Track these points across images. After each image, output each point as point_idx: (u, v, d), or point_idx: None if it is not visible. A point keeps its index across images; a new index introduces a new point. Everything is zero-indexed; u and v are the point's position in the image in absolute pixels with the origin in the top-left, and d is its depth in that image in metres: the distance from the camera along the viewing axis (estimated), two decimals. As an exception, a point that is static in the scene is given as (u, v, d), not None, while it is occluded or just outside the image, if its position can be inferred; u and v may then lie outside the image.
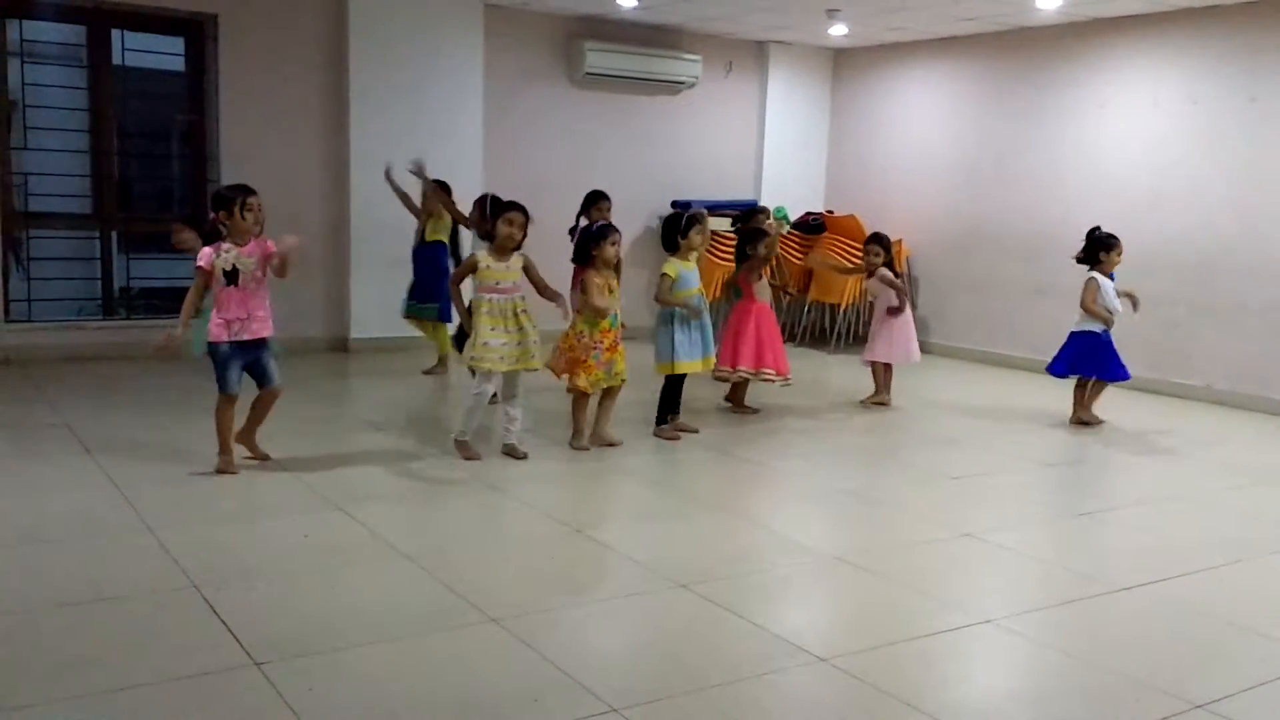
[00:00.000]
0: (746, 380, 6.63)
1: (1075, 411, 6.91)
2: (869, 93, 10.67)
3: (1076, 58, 8.75)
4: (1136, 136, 8.38)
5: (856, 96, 10.81)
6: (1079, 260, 6.85)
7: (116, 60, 8.04)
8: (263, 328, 4.87)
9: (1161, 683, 3.17)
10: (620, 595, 3.76)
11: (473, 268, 5.28)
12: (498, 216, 5.29)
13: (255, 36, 8.18)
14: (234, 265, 4.75)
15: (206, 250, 4.78)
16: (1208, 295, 7.94)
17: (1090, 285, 6.70)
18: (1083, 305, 6.72)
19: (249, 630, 3.23)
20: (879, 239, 7.20)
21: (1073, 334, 6.82)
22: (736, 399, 6.81)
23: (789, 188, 10.68)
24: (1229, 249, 7.82)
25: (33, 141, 7.83)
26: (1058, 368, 6.88)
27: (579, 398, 5.68)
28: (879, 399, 7.20)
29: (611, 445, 5.76)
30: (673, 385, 6.07)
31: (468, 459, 5.32)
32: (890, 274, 7.11)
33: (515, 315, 5.25)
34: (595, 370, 5.54)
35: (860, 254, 9.51)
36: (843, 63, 10.92)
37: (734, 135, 10.66)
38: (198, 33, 8.23)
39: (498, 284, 5.22)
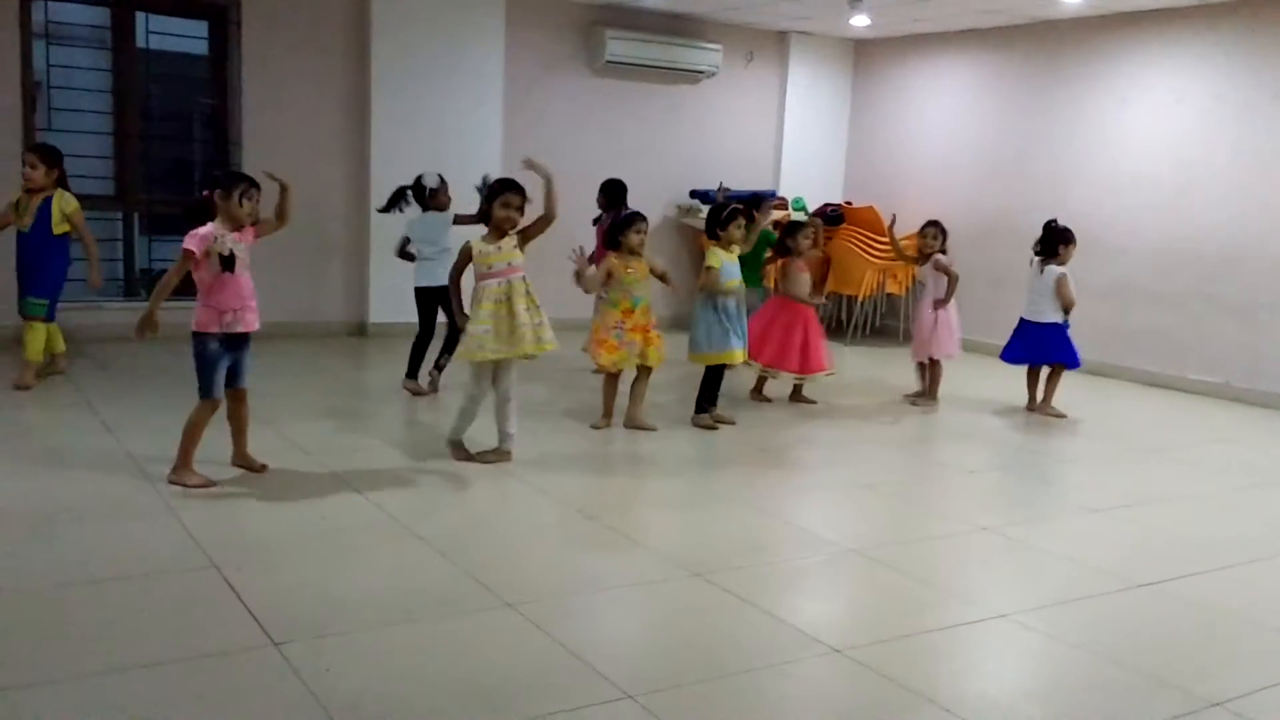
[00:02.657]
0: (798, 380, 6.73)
1: (1032, 402, 7.05)
2: (890, 84, 10.62)
3: (1099, 51, 8.69)
4: (1159, 132, 8.32)
5: (877, 88, 10.76)
6: (1037, 252, 6.98)
7: (140, 43, 8.08)
8: (255, 320, 4.52)
9: (1177, 680, 3.16)
10: (636, 583, 3.77)
11: (468, 257, 4.99)
12: (494, 198, 4.96)
13: (278, 22, 8.20)
14: (231, 250, 4.39)
15: (200, 233, 4.36)
16: (1229, 292, 7.89)
17: (1065, 279, 6.86)
18: (1067, 302, 6.87)
19: (267, 610, 3.26)
20: (936, 224, 7.05)
21: (1032, 324, 6.97)
22: (795, 392, 6.86)
23: (808, 179, 10.65)
24: (1251, 246, 7.76)
25: (57, 123, 7.87)
26: (1014, 356, 7.07)
27: (606, 378, 5.81)
28: (926, 399, 7.03)
29: (644, 429, 5.81)
30: (712, 375, 6.10)
31: (459, 460, 5.09)
32: (945, 260, 6.95)
33: (508, 300, 4.89)
34: (618, 350, 5.61)
35: (881, 245, 9.56)
36: (864, 54, 10.87)
37: (753, 125, 10.63)
38: (221, 17, 8.26)
39: (491, 268, 4.93)
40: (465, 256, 5.04)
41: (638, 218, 5.76)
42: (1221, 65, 7.92)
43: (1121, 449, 6.30)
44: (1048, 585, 3.99)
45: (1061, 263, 6.89)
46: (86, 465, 4.73)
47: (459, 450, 5.14)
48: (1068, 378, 7.08)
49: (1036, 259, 6.96)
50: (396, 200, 6.62)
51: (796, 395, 6.87)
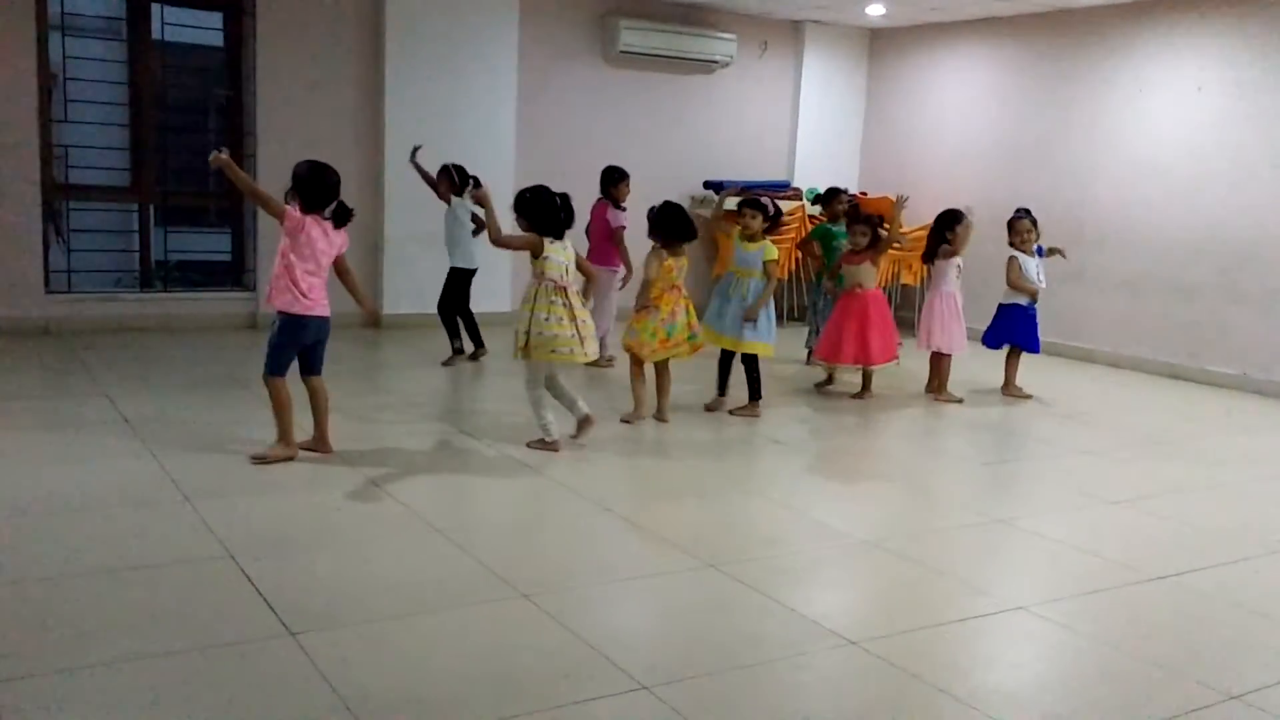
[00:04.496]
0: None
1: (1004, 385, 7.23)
2: (905, 74, 10.56)
3: (1117, 39, 8.62)
4: (1179, 121, 8.26)
5: (893, 77, 10.71)
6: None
7: (156, 35, 8.10)
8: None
9: (1196, 673, 3.14)
10: (651, 574, 3.77)
11: (538, 251, 5.08)
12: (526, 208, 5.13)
13: (292, 13, 8.20)
14: None
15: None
16: (1247, 282, 7.84)
17: (1012, 263, 7.04)
18: (1008, 282, 7.07)
19: (284, 601, 3.27)
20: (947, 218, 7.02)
21: (1001, 306, 7.18)
22: (863, 385, 6.89)
23: (822, 169, 10.60)
24: (1270, 237, 7.70)
25: (73, 115, 7.90)
26: (988, 339, 7.26)
27: (634, 370, 5.88)
28: (947, 395, 6.99)
29: (661, 421, 5.88)
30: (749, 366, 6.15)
31: (550, 449, 5.20)
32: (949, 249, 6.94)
33: (571, 306, 5.11)
34: (658, 331, 5.71)
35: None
36: (879, 43, 10.81)
37: (768, 115, 10.59)
38: (236, 8, 8.27)
39: (562, 276, 5.11)
40: (534, 245, 5.10)
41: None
42: (1242, 53, 7.85)
43: (1138, 441, 6.26)
44: (1064, 577, 3.97)
45: (1012, 244, 7.09)
46: (103, 456, 4.76)
47: (548, 444, 5.20)
48: (1087, 370, 7.05)
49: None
50: (464, 183, 7.12)
51: (828, 383, 7.05)
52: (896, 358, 6.77)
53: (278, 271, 4.63)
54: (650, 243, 5.82)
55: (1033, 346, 7.20)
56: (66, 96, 7.88)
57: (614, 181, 7.40)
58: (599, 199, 7.46)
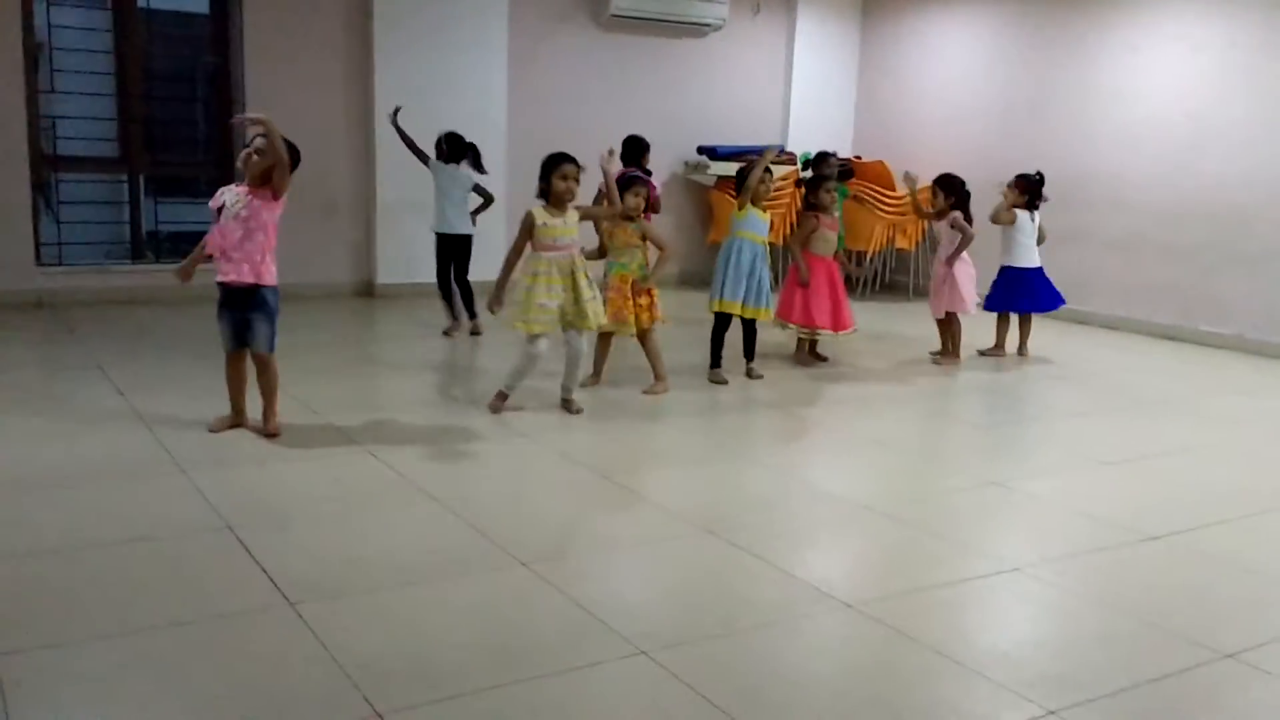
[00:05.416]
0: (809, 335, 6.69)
1: (1011, 344, 7.29)
2: (898, 36, 10.49)
3: (1112, 0, 8.56)
4: (1173, 81, 8.21)
5: (886, 40, 10.63)
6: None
7: (142, 2, 8.00)
8: (234, 272, 4.48)
9: (1191, 632, 3.16)
10: (648, 540, 3.78)
11: (530, 226, 5.02)
12: (551, 171, 5.01)
13: (279, -22, 8.11)
14: (223, 200, 4.50)
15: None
16: (1242, 243, 7.83)
17: (1008, 215, 7.15)
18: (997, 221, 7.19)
19: (283, 571, 3.28)
20: (943, 181, 6.95)
21: (1002, 269, 7.27)
22: (806, 349, 6.80)
23: (816, 133, 10.55)
24: (1265, 197, 7.68)
25: (59, 85, 7.82)
26: (990, 303, 7.32)
27: (599, 337, 5.83)
28: (950, 357, 7.00)
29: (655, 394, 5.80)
30: (717, 327, 6.11)
31: (494, 411, 5.21)
32: (962, 220, 6.85)
33: (572, 274, 5.06)
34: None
35: (891, 200, 9.49)
36: (872, 5, 10.72)
37: (761, 79, 10.52)
38: (222, -26, 8.18)
39: (555, 241, 5.03)
40: (528, 227, 5.03)
41: (638, 180, 5.72)
42: (1238, 13, 7.79)
43: (1133, 402, 6.27)
44: (1060, 538, 3.99)
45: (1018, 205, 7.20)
46: (99, 428, 4.75)
47: (501, 400, 5.23)
48: (1081, 332, 7.06)
49: None
50: (461, 153, 7.14)
51: (812, 352, 6.82)
52: (855, 327, 6.71)
53: (267, 247, 4.53)
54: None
55: (1024, 306, 7.23)
56: (53, 66, 7.79)
57: (643, 151, 7.32)
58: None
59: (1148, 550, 3.86)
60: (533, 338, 5.11)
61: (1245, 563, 3.78)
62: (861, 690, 2.80)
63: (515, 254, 5.11)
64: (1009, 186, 7.17)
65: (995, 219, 7.14)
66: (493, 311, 5.13)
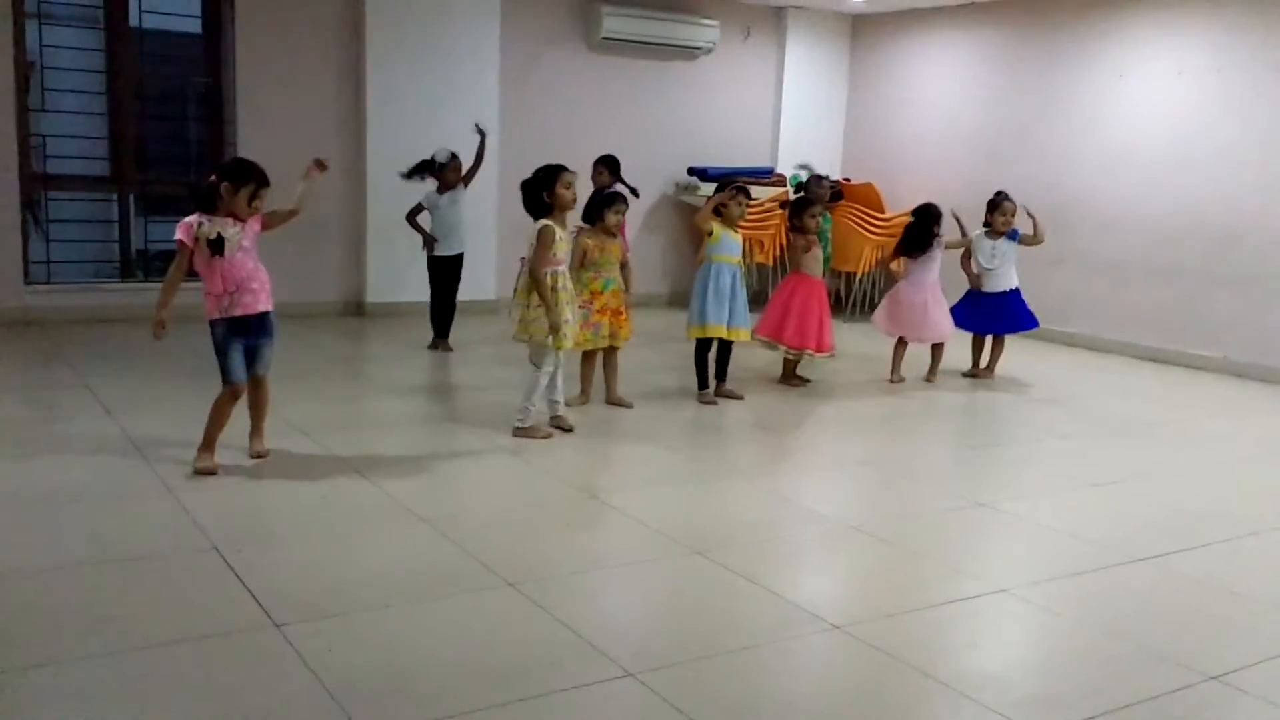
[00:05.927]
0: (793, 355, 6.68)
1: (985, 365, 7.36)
2: (888, 60, 10.57)
3: (1098, 24, 8.65)
4: (1159, 105, 8.29)
5: (875, 63, 10.71)
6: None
7: (134, 22, 8.02)
8: (256, 302, 4.40)
9: (1175, 654, 3.18)
10: (636, 561, 3.78)
11: (552, 240, 5.01)
12: (553, 183, 5.04)
13: (272, -1, 8.15)
14: (218, 234, 4.28)
15: (186, 221, 4.31)
16: (1228, 266, 7.89)
17: (965, 243, 7.35)
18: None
19: (269, 592, 3.27)
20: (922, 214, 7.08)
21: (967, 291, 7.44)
22: (787, 370, 6.79)
23: (805, 155, 10.57)
24: (1250, 220, 7.75)
25: (50, 103, 7.83)
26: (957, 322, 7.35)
27: (583, 356, 5.86)
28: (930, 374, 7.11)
29: (622, 406, 5.83)
30: (700, 349, 6.12)
31: (547, 437, 5.20)
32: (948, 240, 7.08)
33: (567, 288, 5.15)
34: (583, 330, 5.57)
35: (879, 222, 9.54)
36: (861, 29, 10.81)
37: (751, 102, 10.58)
38: (214, -6, 8.21)
39: (559, 254, 5.09)
40: (550, 240, 5.02)
41: (618, 198, 5.76)
42: (1222, 37, 7.88)
43: (1120, 424, 6.30)
44: (1047, 560, 4.00)
45: (986, 224, 7.36)
46: (86, 448, 4.73)
47: (534, 431, 5.19)
48: (1067, 354, 7.10)
49: None
50: (421, 170, 7.21)
51: (794, 373, 6.84)
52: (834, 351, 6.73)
53: (264, 274, 4.48)
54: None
55: (982, 328, 7.30)
56: (44, 85, 7.80)
57: (618, 169, 7.41)
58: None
59: (1134, 572, 3.87)
60: (549, 353, 5.14)
61: (1229, 586, 3.79)
62: (850, 712, 2.80)
63: (540, 265, 5.05)
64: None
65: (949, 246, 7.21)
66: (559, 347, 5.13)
